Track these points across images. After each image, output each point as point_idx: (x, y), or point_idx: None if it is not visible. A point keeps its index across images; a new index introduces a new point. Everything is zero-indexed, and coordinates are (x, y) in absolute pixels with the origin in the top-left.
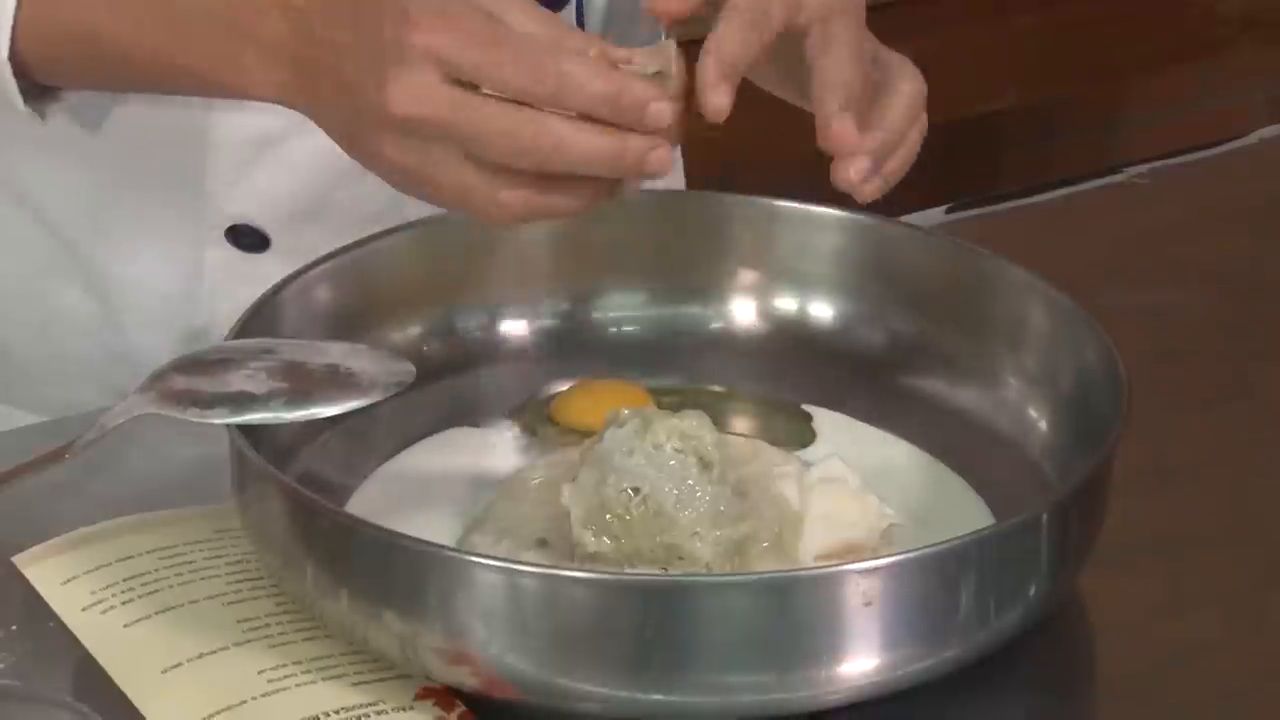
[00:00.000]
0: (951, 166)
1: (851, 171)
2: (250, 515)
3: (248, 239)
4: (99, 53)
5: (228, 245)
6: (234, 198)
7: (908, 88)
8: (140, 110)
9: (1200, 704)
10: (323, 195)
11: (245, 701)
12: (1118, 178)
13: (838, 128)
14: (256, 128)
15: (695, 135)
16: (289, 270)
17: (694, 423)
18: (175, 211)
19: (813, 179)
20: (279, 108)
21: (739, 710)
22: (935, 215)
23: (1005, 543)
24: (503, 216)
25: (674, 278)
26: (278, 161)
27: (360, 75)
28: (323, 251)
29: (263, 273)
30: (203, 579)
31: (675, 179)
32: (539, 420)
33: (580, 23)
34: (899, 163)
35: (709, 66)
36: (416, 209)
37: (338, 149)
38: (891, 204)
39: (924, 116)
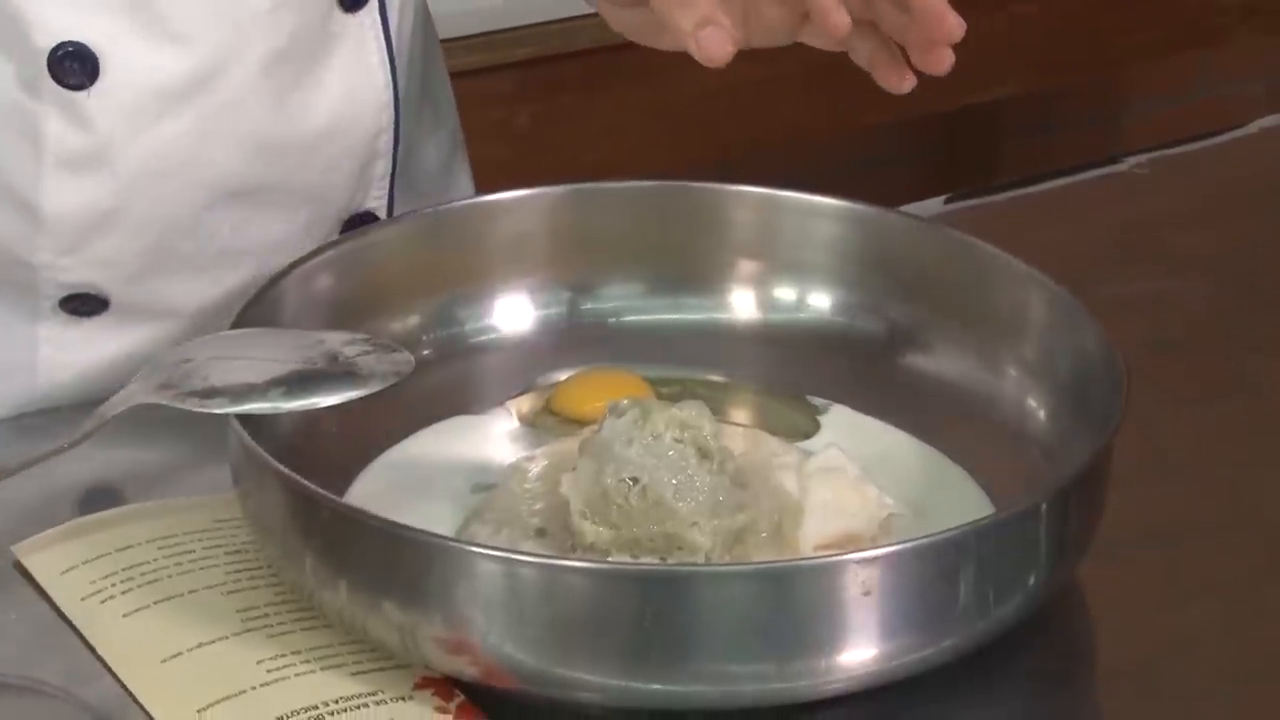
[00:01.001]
0: (950, 156)
1: (947, 63)
2: (249, 505)
3: (84, 306)
4: None
5: (62, 313)
6: (71, 268)
7: None
8: None
9: (1200, 694)
10: (161, 250)
11: (244, 691)
12: (1117, 167)
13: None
14: (92, 196)
15: (692, 125)
16: (129, 329)
17: (693, 413)
18: (6, 288)
19: (812, 168)
20: (113, 170)
21: (738, 700)
22: (934, 205)
23: (1004, 533)
24: None
25: (673, 267)
26: (117, 226)
27: None
28: (164, 302)
29: (103, 335)
30: (202, 569)
31: None
32: (538, 410)
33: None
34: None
35: None
36: (255, 255)
37: (172, 206)
38: (890, 193)
39: None
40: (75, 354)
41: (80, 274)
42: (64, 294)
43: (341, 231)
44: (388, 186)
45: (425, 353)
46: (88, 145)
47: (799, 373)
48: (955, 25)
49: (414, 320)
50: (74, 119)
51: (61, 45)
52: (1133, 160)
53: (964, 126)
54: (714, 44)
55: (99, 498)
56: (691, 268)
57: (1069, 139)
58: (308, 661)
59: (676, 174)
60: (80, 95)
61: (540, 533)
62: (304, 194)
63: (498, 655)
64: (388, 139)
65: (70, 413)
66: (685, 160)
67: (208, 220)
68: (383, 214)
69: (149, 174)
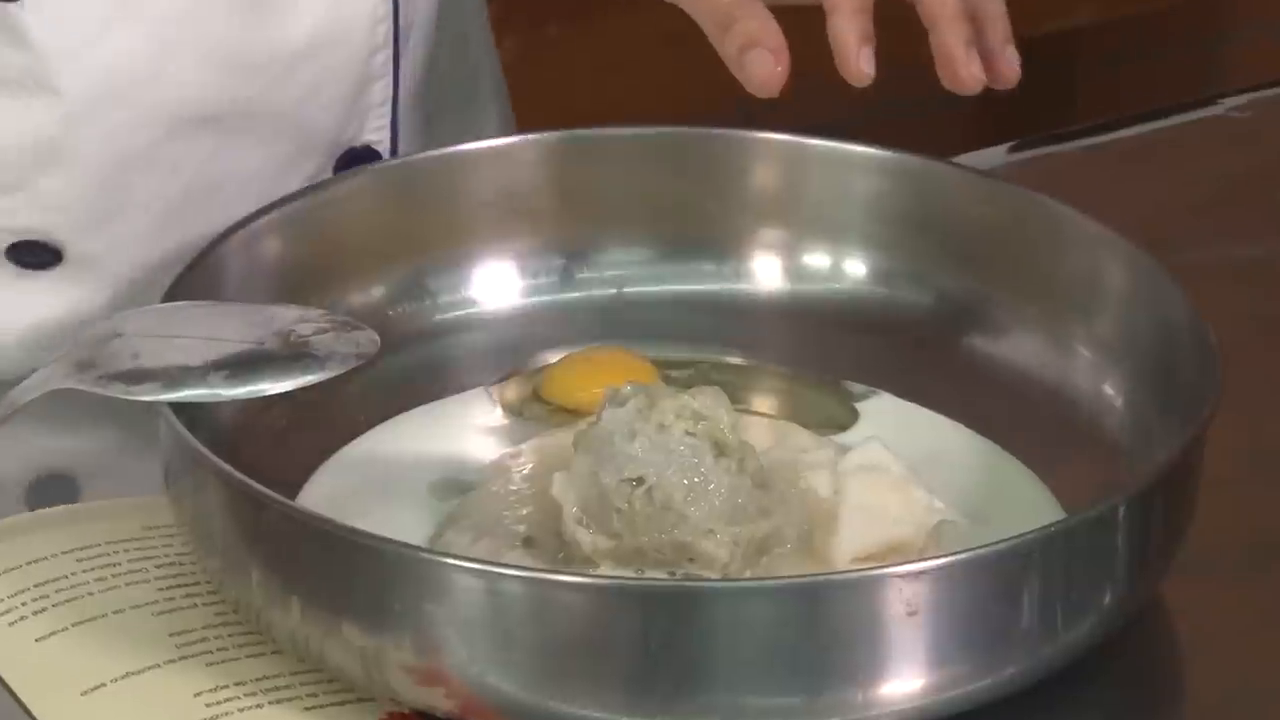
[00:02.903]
0: (1016, 96)
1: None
2: (185, 509)
3: (33, 257)
4: None
5: (10, 266)
6: (15, 210)
7: None
8: None
9: None
10: (118, 189)
11: None
12: (1213, 109)
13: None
14: (35, 122)
15: (707, 60)
16: (85, 284)
17: (707, 401)
18: None
19: (847, 110)
20: (56, 93)
21: None
22: (995, 155)
23: (1075, 542)
24: None
25: (685, 229)
26: (61, 158)
27: None
28: (123, 254)
29: (55, 291)
30: (129, 585)
31: None
32: (525, 398)
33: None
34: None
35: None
36: (228, 195)
37: (126, 135)
38: (943, 141)
39: None
40: (21, 313)
41: (26, 218)
42: (10, 241)
43: (335, 171)
44: (389, 116)
45: (392, 330)
46: (25, 64)
47: (833, 354)
48: (969, 79)
49: (379, 292)
50: (7, 34)
51: None
52: (1231, 102)
53: (1033, 60)
54: (761, 68)
55: (5, 500)
56: (706, 230)
57: (1156, 74)
58: (254, 694)
59: (688, 118)
60: (12, 6)
61: (528, 542)
62: (283, 122)
63: (478, 686)
64: (386, 58)
65: None
66: (698, 102)
67: (169, 152)
68: (385, 150)
69: (97, 97)
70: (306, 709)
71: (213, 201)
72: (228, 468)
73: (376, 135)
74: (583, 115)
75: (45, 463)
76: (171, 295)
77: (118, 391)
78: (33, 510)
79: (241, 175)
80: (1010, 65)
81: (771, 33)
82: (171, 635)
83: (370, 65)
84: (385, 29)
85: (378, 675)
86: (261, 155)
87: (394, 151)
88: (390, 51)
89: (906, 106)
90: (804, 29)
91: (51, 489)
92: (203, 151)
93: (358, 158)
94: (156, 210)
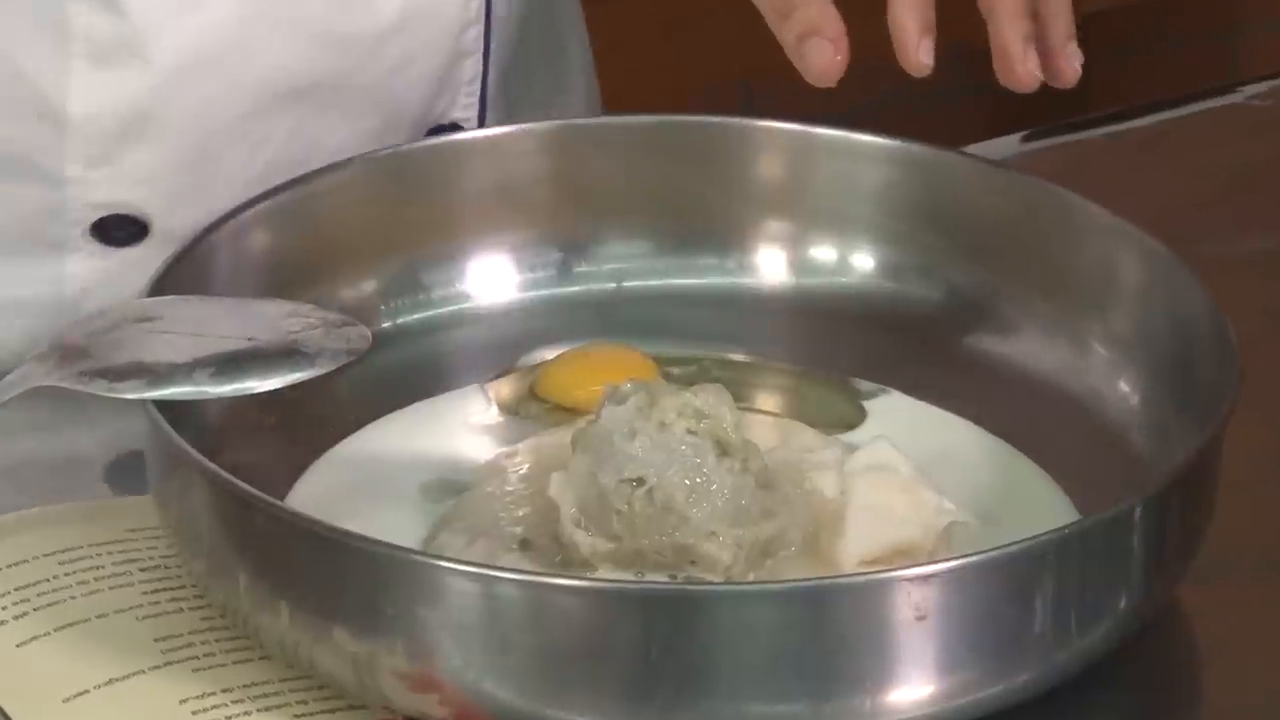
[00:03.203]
0: None
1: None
2: (171, 511)
3: (120, 232)
4: None
5: (95, 242)
6: (102, 183)
7: None
8: None
9: None
10: (206, 162)
11: None
12: (1232, 98)
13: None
14: (124, 91)
15: (710, 44)
16: None
17: (710, 399)
18: (28, 209)
19: (858, 98)
20: (147, 63)
21: None
22: (1008, 144)
23: (1090, 544)
24: None
25: (686, 222)
26: (150, 129)
27: None
28: None
29: (140, 267)
30: (112, 588)
31: None
32: (522, 396)
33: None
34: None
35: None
36: (315, 161)
37: (217, 106)
38: (954, 130)
39: None
40: (106, 290)
41: (114, 190)
42: (95, 215)
43: None
44: (478, 94)
45: (384, 326)
46: (118, 32)
47: (840, 350)
48: (1025, 75)
49: (370, 286)
50: (103, 3)
51: None
52: (1251, 89)
53: None
54: (820, 57)
55: (87, 479)
56: (709, 222)
57: (1173, 62)
58: (241, 701)
59: (690, 106)
60: None
61: (524, 544)
62: (371, 97)
63: (473, 692)
64: (477, 34)
65: None
66: (701, 88)
67: (257, 125)
68: (472, 127)
69: (188, 68)
70: (296, 716)
71: (298, 170)
72: (214, 467)
73: (464, 113)
74: None
75: (123, 444)
76: (157, 289)
77: (100, 389)
78: (114, 491)
79: (328, 149)
80: (1071, 63)
81: (831, 20)
82: (157, 640)
83: (461, 41)
84: (478, 4)
85: (369, 682)
86: (348, 130)
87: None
88: (482, 27)
89: (916, 95)
90: None
91: (131, 468)
92: (290, 125)
93: (443, 134)
94: (243, 184)
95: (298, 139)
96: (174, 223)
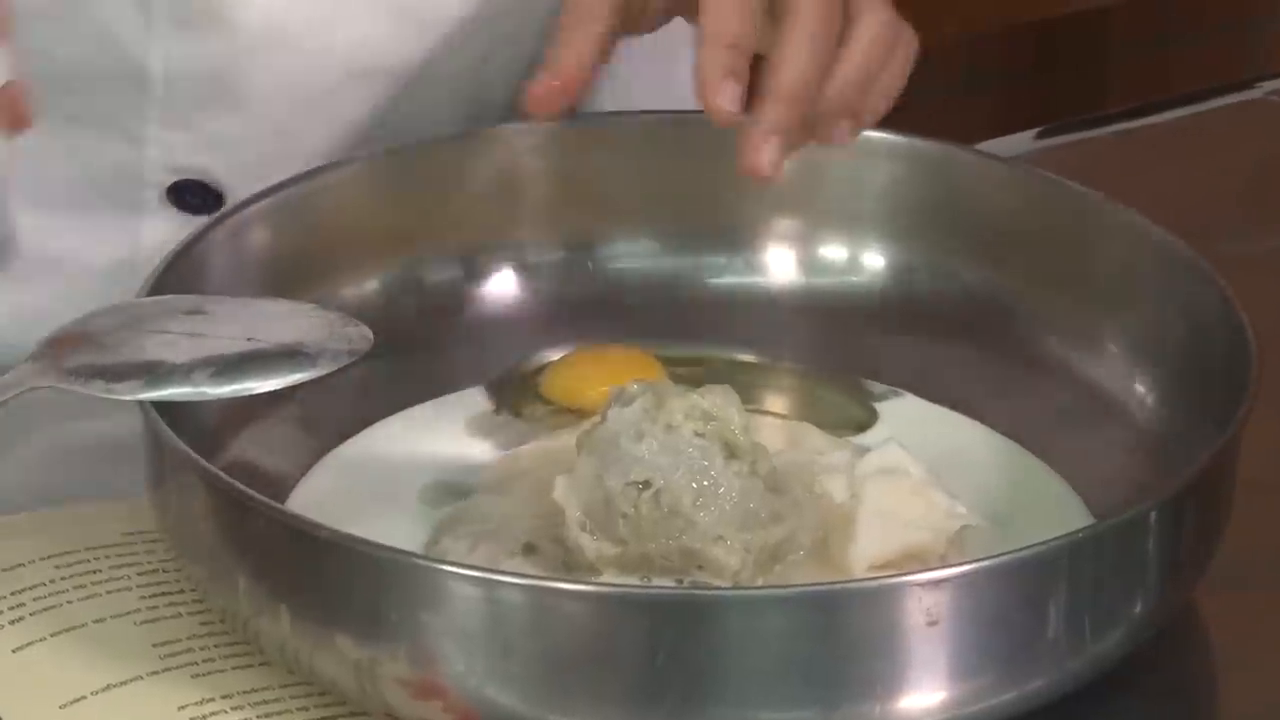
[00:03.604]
0: (1044, 79)
1: (762, 159)
2: (169, 514)
3: (194, 198)
4: None
5: (170, 208)
6: (179, 145)
7: (863, 28)
8: (61, 39)
9: None
10: (285, 135)
11: None
12: (1251, 93)
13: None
14: (206, 55)
15: None
16: None
17: (718, 400)
18: (107, 167)
19: None
20: (231, 29)
21: None
22: (1023, 141)
23: (1104, 548)
24: None
25: (693, 220)
26: (231, 96)
27: None
28: None
29: (210, 244)
30: (110, 593)
31: None
32: (526, 397)
33: None
34: (848, 126)
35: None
36: (404, 138)
37: (301, 77)
38: (967, 127)
39: (899, 55)
40: None
41: (192, 155)
42: (172, 179)
43: None
44: None
45: (386, 326)
46: None
47: (850, 351)
48: (764, 165)
49: (372, 286)
50: None
51: None
52: (1270, 85)
53: (1061, 42)
54: (726, 100)
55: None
56: (716, 220)
57: (1191, 57)
58: (241, 708)
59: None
60: None
61: (528, 548)
62: (455, 84)
63: (476, 699)
64: None
65: None
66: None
67: (339, 102)
68: None
69: (270, 35)
70: None
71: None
72: (214, 470)
73: None
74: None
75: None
76: (155, 289)
77: (98, 390)
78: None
79: (414, 135)
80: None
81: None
82: (155, 645)
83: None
84: None
85: (371, 688)
86: (433, 114)
87: None
88: None
89: (929, 91)
90: None
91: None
92: (373, 105)
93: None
94: (321, 159)
95: (382, 120)
96: (249, 194)
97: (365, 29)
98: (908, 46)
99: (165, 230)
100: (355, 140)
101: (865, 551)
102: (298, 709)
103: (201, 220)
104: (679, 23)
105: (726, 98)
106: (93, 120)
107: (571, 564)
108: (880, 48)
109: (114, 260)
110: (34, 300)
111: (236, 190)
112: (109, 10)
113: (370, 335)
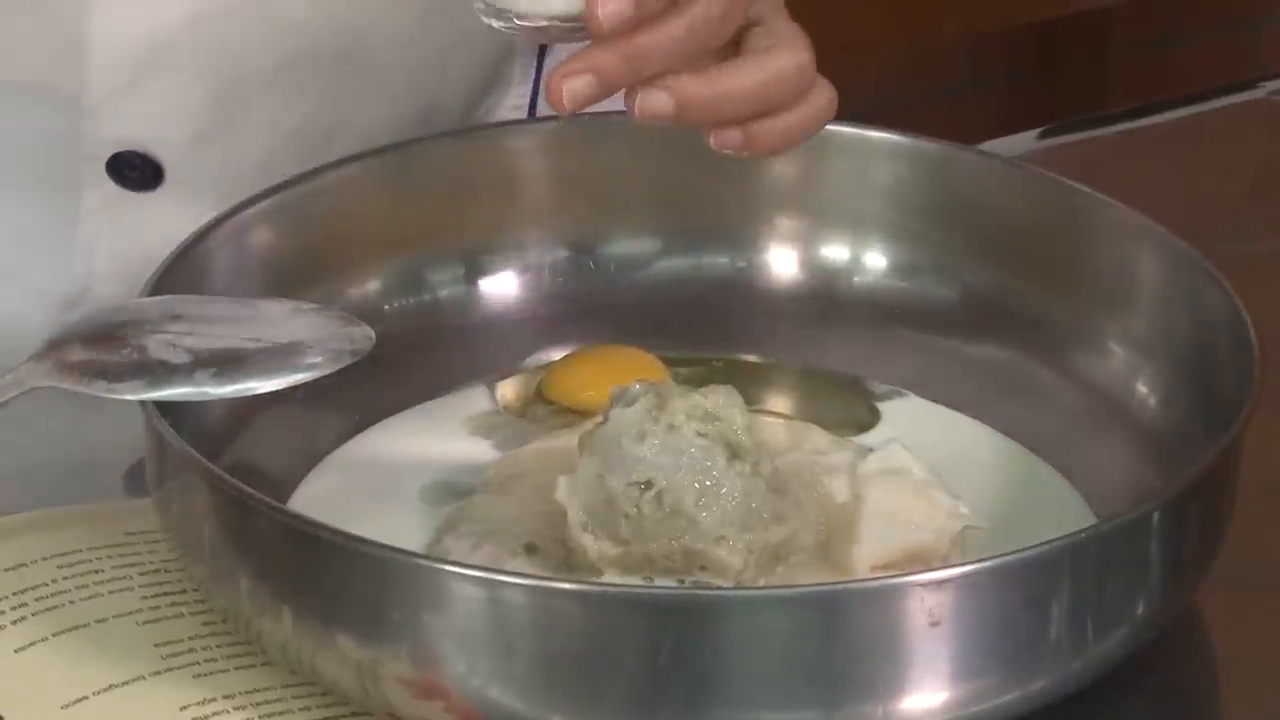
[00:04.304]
0: (1046, 79)
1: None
2: (171, 514)
3: (134, 172)
4: None
5: (109, 181)
6: (119, 116)
7: (775, 61)
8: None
9: None
10: (228, 111)
11: None
12: (1254, 93)
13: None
14: (147, 24)
15: None
16: (185, 211)
17: (720, 400)
18: (44, 138)
19: (871, 94)
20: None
21: None
22: (1025, 140)
23: (1106, 549)
24: None
25: (695, 219)
26: (173, 67)
27: None
28: (230, 181)
29: (154, 215)
30: (112, 593)
31: None
32: (527, 397)
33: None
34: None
35: None
36: (349, 143)
37: (245, 50)
38: (969, 126)
39: (816, 100)
40: (120, 237)
41: (132, 126)
42: (112, 150)
43: None
44: (529, 96)
45: (388, 326)
46: None
47: (852, 351)
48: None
49: (374, 285)
50: None
51: None
52: (1273, 85)
53: (1063, 42)
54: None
55: (108, 480)
56: (718, 219)
57: (1194, 57)
58: (243, 708)
59: None
60: None
61: (530, 549)
62: (408, 80)
63: (478, 700)
64: None
65: None
66: None
67: (282, 82)
68: None
69: (211, 6)
70: None
71: (332, 145)
72: (215, 470)
73: (514, 113)
74: None
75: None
76: (156, 288)
77: (99, 390)
78: (130, 495)
79: (358, 128)
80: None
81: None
82: (157, 646)
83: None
84: None
85: (373, 688)
86: (383, 112)
87: None
88: None
89: (931, 90)
90: (819, 13)
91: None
92: (319, 92)
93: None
94: (268, 141)
95: (326, 110)
96: (188, 172)
97: (308, 8)
98: (826, 100)
99: (105, 203)
100: (302, 123)
101: (868, 552)
102: (300, 709)
103: (140, 199)
104: None
105: (569, 95)
106: (32, 89)
107: (573, 564)
108: (783, 70)
109: (53, 233)
110: None
111: (176, 167)
112: None
113: (372, 335)
